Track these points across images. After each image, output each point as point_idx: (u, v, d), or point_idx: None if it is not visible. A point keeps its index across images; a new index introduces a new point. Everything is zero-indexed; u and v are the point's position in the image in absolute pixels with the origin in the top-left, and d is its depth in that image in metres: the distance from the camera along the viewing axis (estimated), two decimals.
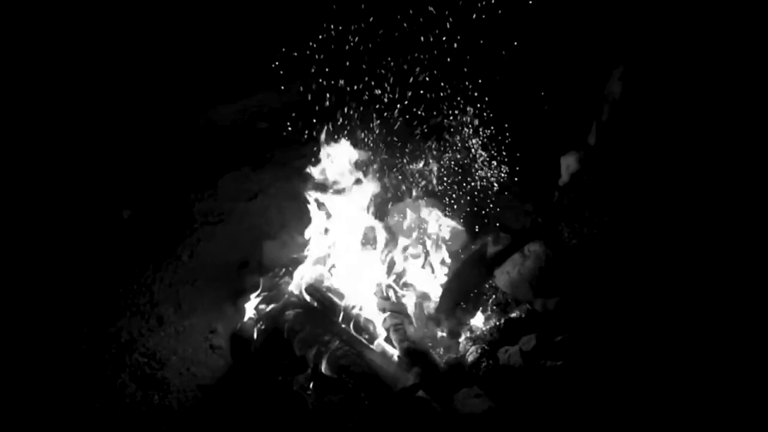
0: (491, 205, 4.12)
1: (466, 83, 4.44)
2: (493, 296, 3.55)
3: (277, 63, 5.03)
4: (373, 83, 4.50)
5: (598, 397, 2.67)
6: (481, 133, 4.29)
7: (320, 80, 4.60)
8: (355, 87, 4.57)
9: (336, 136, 4.60)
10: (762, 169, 3.08)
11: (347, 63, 4.55)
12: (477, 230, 3.90)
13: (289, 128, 4.99)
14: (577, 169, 3.61)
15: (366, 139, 4.35)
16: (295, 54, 4.71)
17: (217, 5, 6.10)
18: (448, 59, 4.52)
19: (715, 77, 3.21)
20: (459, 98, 4.42)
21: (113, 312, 3.51)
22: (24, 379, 3.04)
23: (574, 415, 2.63)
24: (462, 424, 2.66)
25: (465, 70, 4.48)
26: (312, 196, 3.61)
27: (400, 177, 4.22)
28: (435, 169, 4.23)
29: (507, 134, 4.27)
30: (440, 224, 3.96)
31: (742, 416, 2.54)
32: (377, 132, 4.40)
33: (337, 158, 3.76)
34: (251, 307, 3.31)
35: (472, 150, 4.28)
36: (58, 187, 4.51)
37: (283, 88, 4.97)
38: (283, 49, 4.88)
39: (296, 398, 2.89)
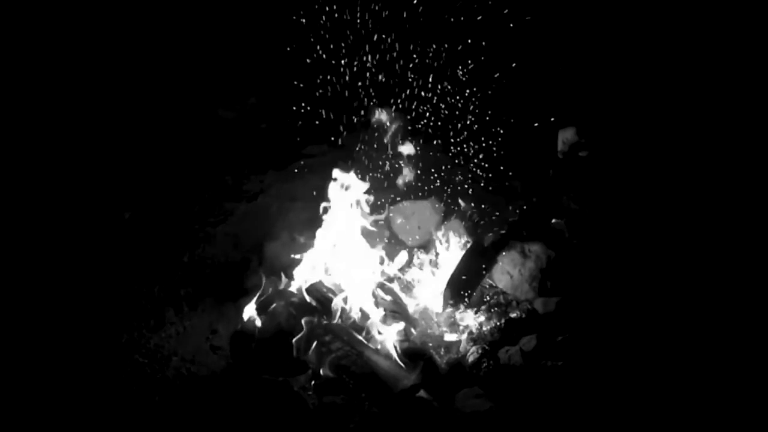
0: (488, 195, 4.11)
1: (463, 80, 4.45)
2: (493, 296, 3.55)
3: (277, 63, 5.03)
4: (372, 82, 4.51)
5: (598, 397, 2.67)
6: (475, 124, 4.30)
7: (320, 79, 4.60)
8: (355, 86, 4.58)
9: (337, 136, 4.61)
10: (760, 144, 3.08)
11: (347, 62, 4.56)
12: (476, 222, 3.89)
13: (290, 128, 4.99)
14: (575, 141, 3.58)
15: (367, 138, 4.35)
16: (296, 53, 4.72)
17: (218, 5, 6.10)
18: (444, 54, 4.52)
19: (715, 63, 3.21)
20: (457, 94, 4.43)
21: (114, 313, 3.51)
22: (25, 380, 3.04)
23: (574, 415, 2.63)
24: (463, 424, 2.66)
25: (459, 61, 4.48)
26: (313, 196, 3.61)
27: (401, 176, 4.22)
28: (434, 166, 4.24)
29: (501, 124, 4.25)
30: (440, 222, 3.97)
31: (742, 416, 2.54)
32: (378, 131, 4.40)
33: (338, 158, 3.76)
34: (251, 307, 3.31)
35: (467, 143, 4.28)
36: (59, 188, 4.51)
37: (283, 88, 4.98)
38: (284, 49, 4.89)
39: (297, 399, 2.89)
